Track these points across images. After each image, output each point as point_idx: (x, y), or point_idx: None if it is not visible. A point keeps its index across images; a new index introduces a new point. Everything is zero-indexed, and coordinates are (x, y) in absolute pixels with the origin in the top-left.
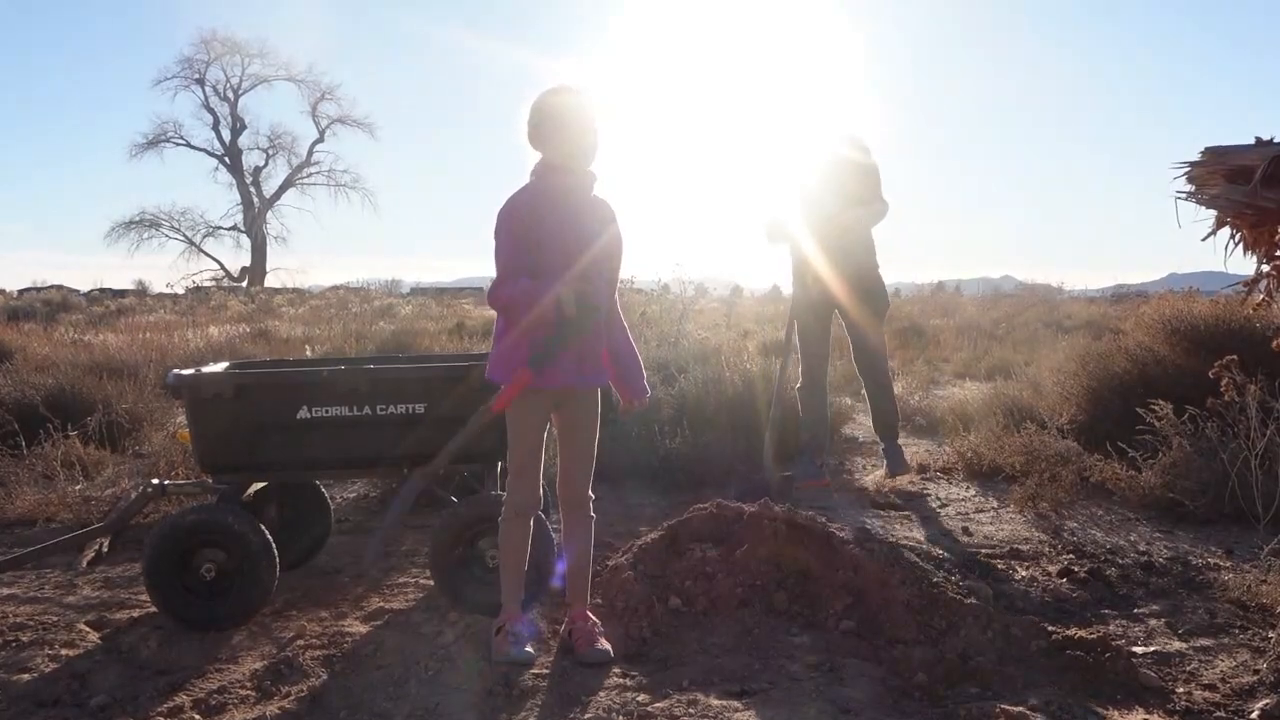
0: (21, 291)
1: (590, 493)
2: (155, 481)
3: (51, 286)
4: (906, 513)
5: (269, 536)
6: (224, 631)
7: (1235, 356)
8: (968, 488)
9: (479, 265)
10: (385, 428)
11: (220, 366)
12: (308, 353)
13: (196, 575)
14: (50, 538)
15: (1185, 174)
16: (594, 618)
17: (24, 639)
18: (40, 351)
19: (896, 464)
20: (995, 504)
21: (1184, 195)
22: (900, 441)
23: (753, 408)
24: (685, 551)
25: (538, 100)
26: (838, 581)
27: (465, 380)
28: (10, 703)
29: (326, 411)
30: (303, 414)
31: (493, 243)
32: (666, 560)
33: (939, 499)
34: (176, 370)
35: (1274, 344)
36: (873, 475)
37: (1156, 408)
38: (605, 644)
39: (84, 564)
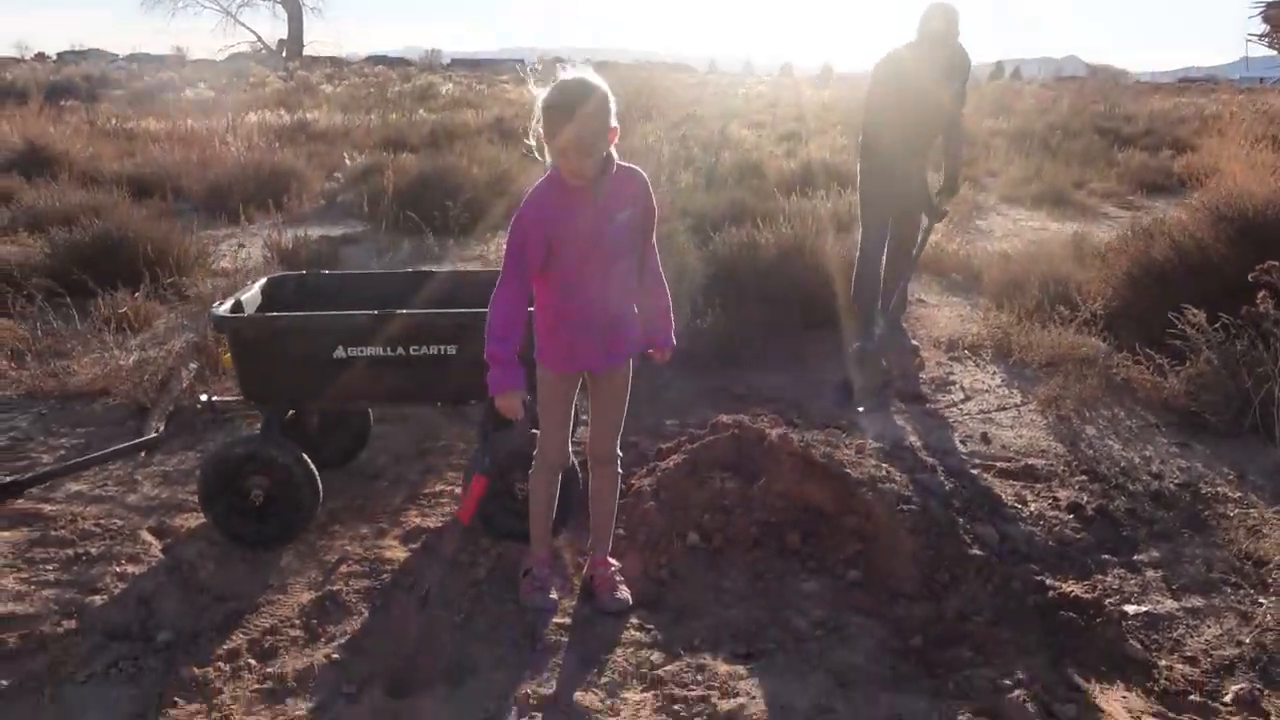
0: (60, 55)
1: (618, 450)
2: (204, 398)
3: (90, 50)
4: (930, 407)
5: (311, 466)
6: (273, 550)
7: (1278, 263)
8: (994, 374)
9: (520, 36)
10: (418, 366)
11: (256, 287)
12: (347, 162)
13: (246, 499)
14: (109, 416)
15: (1261, 13)
16: (614, 564)
17: (93, 551)
18: (83, 156)
19: (897, 339)
20: (1018, 399)
21: (1258, 37)
22: (934, 300)
23: (787, 274)
24: (705, 481)
25: (544, 99)
26: (848, 526)
27: None
28: (85, 634)
29: (362, 351)
30: (339, 353)
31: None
32: (687, 490)
33: (963, 389)
34: (217, 310)
35: None
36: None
37: (1190, 313)
38: (624, 592)
39: (141, 456)
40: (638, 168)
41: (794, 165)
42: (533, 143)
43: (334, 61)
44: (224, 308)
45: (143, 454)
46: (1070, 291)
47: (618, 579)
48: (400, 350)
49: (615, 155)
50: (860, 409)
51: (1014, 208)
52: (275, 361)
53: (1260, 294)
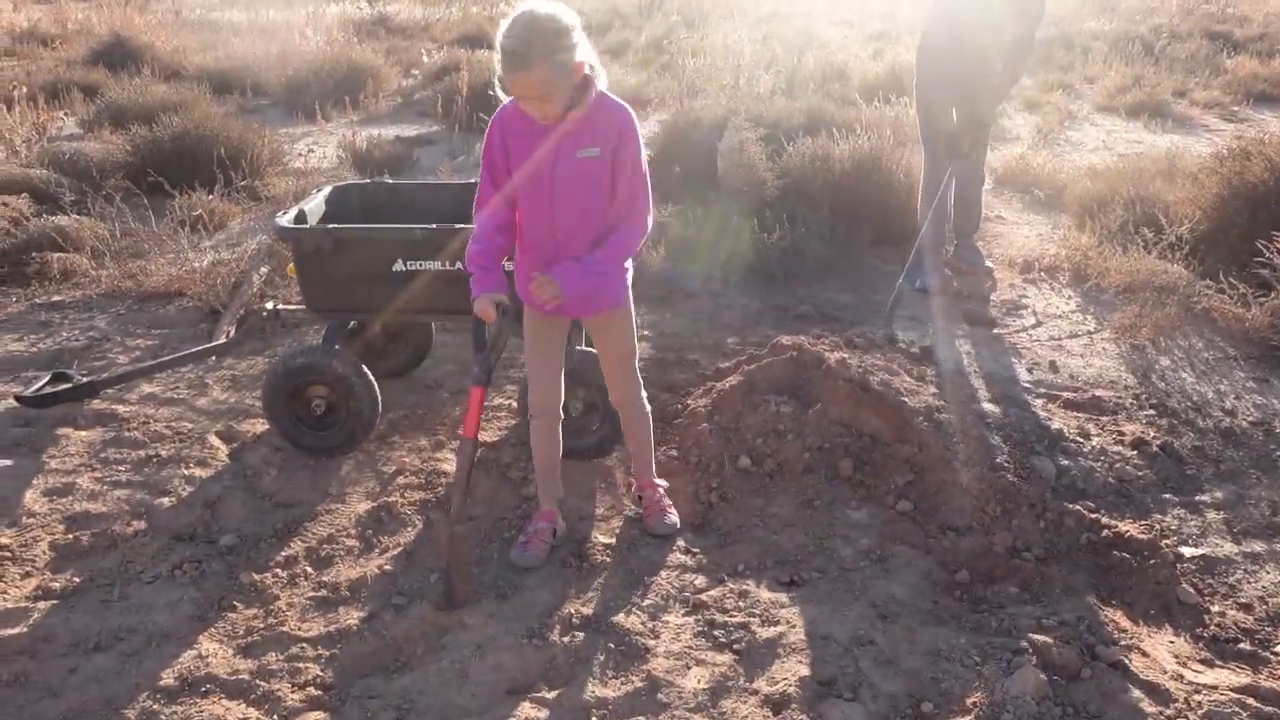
0: None
1: (638, 393)
2: (270, 306)
3: None
4: (999, 331)
5: (370, 378)
6: (333, 459)
7: None
8: (1069, 298)
9: None
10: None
11: (321, 196)
12: (424, 59)
13: (308, 409)
14: (183, 318)
15: None
16: (662, 484)
17: (163, 453)
18: (166, 49)
19: (970, 259)
20: (1092, 326)
21: None
22: (1014, 217)
23: (860, 188)
24: (760, 404)
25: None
26: (901, 455)
27: None
28: (153, 535)
29: (421, 265)
30: (398, 267)
31: None
32: (741, 412)
33: (1035, 314)
34: (280, 220)
35: None
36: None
37: None
38: (673, 515)
39: (212, 360)
40: (624, 105)
41: (880, 69)
42: (498, 86)
43: None
44: (287, 218)
45: (213, 358)
46: (1157, 213)
47: (665, 502)
48: (459, 265)
49: (599, 86)
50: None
51: (1109, 118)
52: (335, 273)
53: None
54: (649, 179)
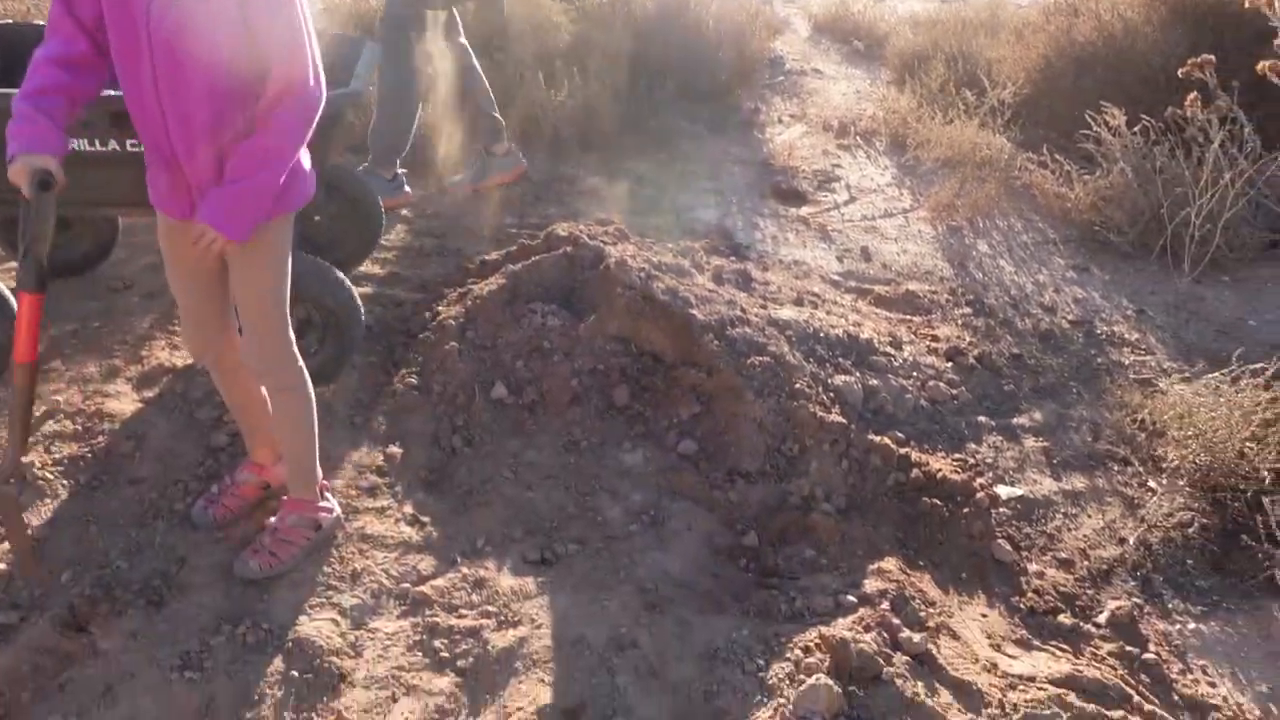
0: None
1: (288, 357)
2: None
3: None
4: (807, 211)
5: (2, 290)
6: None
7: (1212, 57)
8: (885, 169)
9: None
10: (135, 166)
11: None
12: None
13: None
14: None
15: None
16: (299, 519)
17: None
18: None
19: (477, 175)
20: (908, 203)
21: None
22: (831, 71)
23: (663, 39)
24: (524, 316)
25: None
26: (687, 381)
27: None
28: None
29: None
30: None
31: None
32: (501, 325)
33: (849, 187)
34: None
35: (1259, 66)
36: (784, 134)
37: (1109, 114)
38: (265, 560)
39: None
40: None
41: None
42: None
43: None
44: None
45: None
46: (979, 72)
47: (276, 539)
48: (113, 145)
49: None
50: None
51: None
52: None
53: (1190, 95)
54: (306, 24)
